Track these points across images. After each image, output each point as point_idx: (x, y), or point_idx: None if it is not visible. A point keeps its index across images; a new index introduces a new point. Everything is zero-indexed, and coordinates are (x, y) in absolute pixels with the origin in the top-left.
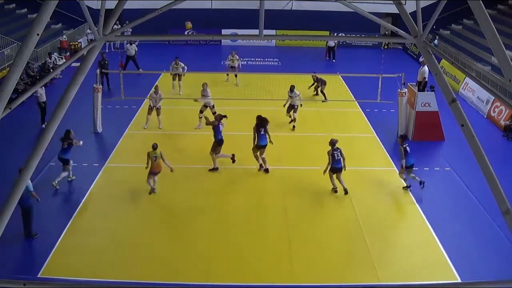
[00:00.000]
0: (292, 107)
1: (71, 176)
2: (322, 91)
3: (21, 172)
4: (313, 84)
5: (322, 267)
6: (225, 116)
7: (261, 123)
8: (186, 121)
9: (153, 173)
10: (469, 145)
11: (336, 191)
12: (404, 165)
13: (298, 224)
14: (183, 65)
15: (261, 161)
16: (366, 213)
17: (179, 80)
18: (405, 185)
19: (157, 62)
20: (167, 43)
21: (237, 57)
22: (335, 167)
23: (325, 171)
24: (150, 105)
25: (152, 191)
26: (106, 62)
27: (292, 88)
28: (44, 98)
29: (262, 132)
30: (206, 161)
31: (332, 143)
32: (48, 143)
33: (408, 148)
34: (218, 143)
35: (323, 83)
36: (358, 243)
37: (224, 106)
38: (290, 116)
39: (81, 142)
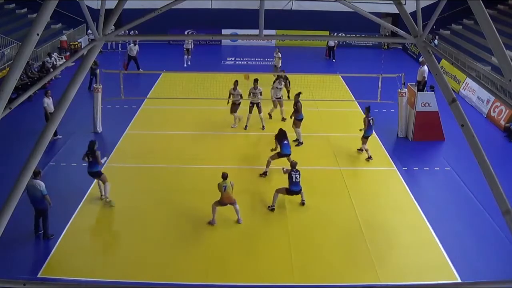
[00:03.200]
0: (253, 105)
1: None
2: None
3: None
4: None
5: (322, 267)
6: None
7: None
8: (185, 121)
9: (223, 204)
10: (469, 145)
11: (272, 210)
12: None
13: (298, 224)
14: (192, 40)
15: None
16: (366, 213)
17: (189, 54)
18: (367, 156)
19: (157, 62)
20: (167, 43)
21: (280, 55)
22: (292, 189)
23: (285, 172)
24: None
25: (212, 222)
26: (97, 63)
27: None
28: (52, 109)
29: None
30: (205, 161)
31: (292, 165)
32: (48, 143)
33: (371, 121)
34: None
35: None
36: (358, 243)
37: (223, 106)
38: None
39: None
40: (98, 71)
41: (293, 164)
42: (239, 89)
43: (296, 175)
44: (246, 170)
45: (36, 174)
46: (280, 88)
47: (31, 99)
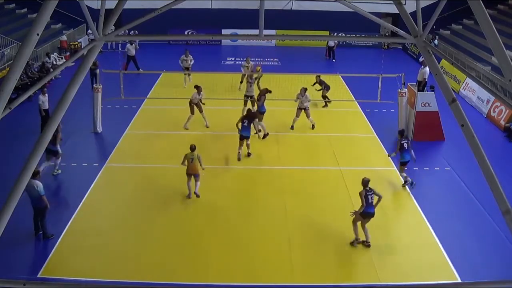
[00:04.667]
0: (301, 110)
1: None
2: (324, 96)
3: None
4: (315, 83)
5: (322, 267)
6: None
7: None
8: (185, 121)
9: (189, 174)
10: (469, 145)
11: (359, 242)
12: (400, 160)
13: (298, 224)
14: (191, 57)
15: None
16: None
17: (189, 74)
18: (403, 182)
19: (157, 62)
20: (167, 43)
21: (251, 63)
22: (368, 211)
23: (354, 214)
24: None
25: (188, 196)
26: (96, 64)
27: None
28: (46, 106)
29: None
30: (205, 161)
31: (365, 182)
32: (48, 143)
33: (405, 144)
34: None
35: (326, 87)
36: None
37: (223, 106)
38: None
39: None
40: (98, 71)
41: (366, 182)
42: (203, 93)
43: (371, 195)
44: (246, 170)
45: (34, 174)
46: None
47: (31, 99)
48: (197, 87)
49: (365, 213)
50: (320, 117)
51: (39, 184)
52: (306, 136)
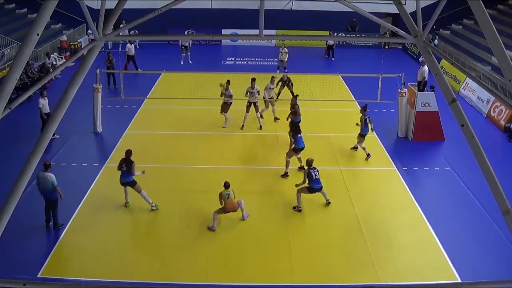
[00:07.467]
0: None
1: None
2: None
3: (22, 172)
4: (278, 83)
5: (322, 267)
6: None
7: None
8: (185, 121)
9: (224, 211)
10: (469, 145)
11: (299, 210)
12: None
13: (298, 224)
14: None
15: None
16: (366, 213)
17: (188, 51)
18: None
19: (157, 62)
20: (167, 43)
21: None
22: (314, 187)
23: (299, 187)
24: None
25: (212, 228)
26: (112, 62)
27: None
28: (47, 109)
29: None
30: (205, 161)
31: (309, 162)
32: (48, 143)
33: (367, 120)
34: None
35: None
36: (358, 243)
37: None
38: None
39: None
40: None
41: (310, 162)
42: (230, 89)
43: (315, 172)
44: (245, 170)
45: (46, 167)
46: (272, 88)
47: (31, 99)
48: (227, 82)
49: (313, 189)
50: (320, 117)
51: (52, 176)
52: (306, 136)
